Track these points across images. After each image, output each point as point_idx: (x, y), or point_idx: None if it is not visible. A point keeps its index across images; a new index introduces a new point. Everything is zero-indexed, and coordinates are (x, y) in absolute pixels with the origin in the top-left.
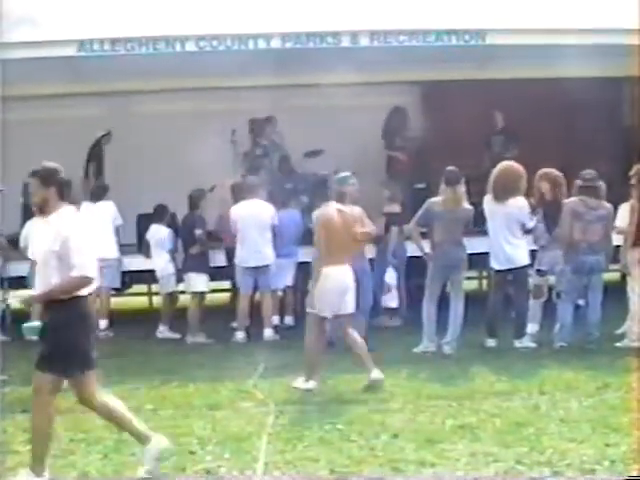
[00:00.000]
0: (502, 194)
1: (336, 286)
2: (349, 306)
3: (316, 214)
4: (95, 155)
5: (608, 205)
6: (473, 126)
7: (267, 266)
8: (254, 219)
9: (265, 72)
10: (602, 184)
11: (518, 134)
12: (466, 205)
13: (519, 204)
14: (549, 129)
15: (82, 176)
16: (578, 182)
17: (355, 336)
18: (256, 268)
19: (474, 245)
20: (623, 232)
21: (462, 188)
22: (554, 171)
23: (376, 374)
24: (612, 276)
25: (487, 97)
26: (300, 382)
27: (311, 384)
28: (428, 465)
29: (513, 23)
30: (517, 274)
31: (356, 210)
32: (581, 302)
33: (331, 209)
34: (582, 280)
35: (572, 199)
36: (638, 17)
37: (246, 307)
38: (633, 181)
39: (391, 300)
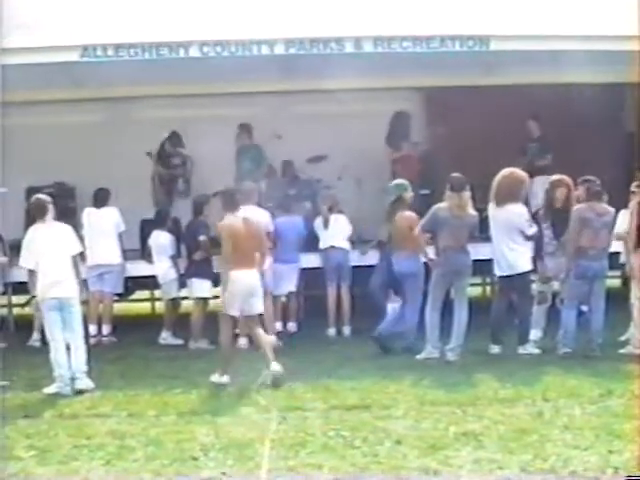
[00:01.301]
0: (503, 200)
1: (242, 289)
2: (256, 307)
3: (222, 223)
4: (163, 159)
5: (612, 210)
6: (478, 132)
7: (263, 272)
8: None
9: (269, 78)
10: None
11: (524, 141)
12: (472, 211)
13: (517, 210)
14: (553, 135)
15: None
16: (586, 188)
17: (262, 335)
18: None
19: (478, 251)
20: (623, 238)
21: (468, 194)
22: (566, 178)
23: (276, 367)
24: (614, 282)
25: (491, 103)
26: (216, 377)
27: (225, 378)
28: (431, 472)
29: (517, 29)
30: (519, 280)
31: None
32: (585, 308)
33: (237, 219)
34: (586, 286)
35: (581, 205)
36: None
37: None
38: (634, 188)
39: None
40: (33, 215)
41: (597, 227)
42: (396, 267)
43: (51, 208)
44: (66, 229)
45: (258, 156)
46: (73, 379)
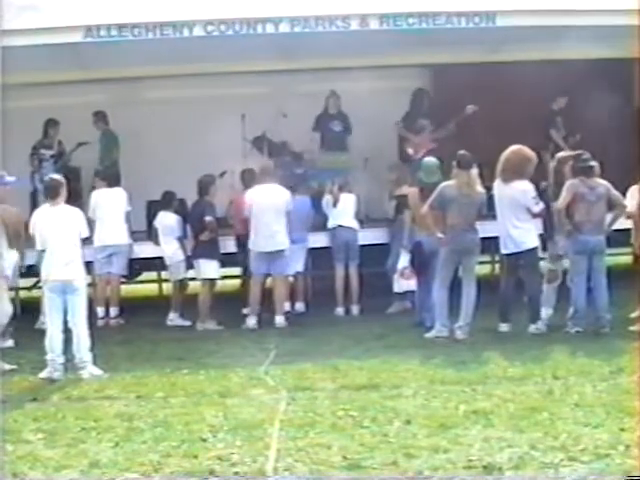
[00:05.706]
0: (508, 177)
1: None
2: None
3: None
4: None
5: (604, 182)
6: (484, 109)
7: (282, 251)
8: (270, 204)
9: (274, 57)
10: (596, 164)
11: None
12: (480, 189)
13: (523, 188)
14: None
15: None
16: (575, 163)
17: None
18: (270, 253)
19: (486, 229)
20: (632, 215)
21: (475, 172)
22: (573, 154)
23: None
24: (624, 259)
25: (496, 80)
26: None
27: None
28: (441, 451)
29: (524, 4)
30: (526, 257)
31: None
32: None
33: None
34: (587, 261)
35: (573, 180)
36: None
37: (258, 293)
38: None
39: (408, 285)
40: (45, 196)
41: (591, 200)
42: (426, 245)
43: (64, 190)
44: (76, 212)
45: (113, 141)
46: (78, 368)
